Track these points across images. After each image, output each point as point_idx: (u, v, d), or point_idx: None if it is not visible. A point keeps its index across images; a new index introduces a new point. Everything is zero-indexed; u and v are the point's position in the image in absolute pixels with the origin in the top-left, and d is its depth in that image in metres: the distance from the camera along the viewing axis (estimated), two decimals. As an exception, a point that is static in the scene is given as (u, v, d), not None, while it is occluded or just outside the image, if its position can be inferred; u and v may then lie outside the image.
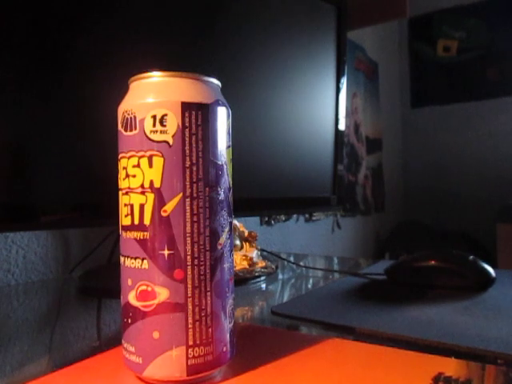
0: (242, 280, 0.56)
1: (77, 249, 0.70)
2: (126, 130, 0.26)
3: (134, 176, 0.25)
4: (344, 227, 1.64)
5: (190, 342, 0.25)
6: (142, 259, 0.25)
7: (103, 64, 0.46)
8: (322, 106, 0.72)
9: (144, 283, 0.25)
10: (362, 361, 0.29)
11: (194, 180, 0.25)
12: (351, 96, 1.71)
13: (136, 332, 0.25)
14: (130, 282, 0.25)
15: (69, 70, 0.43)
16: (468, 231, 1.96)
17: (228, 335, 0.27)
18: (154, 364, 0.25)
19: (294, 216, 1.32)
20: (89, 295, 0.52)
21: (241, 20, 0.59)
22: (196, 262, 0.25)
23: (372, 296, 0.47)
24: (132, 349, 0.25)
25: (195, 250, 0.25)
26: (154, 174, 0.25)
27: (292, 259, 0.77)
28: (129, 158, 0.25)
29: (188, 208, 0.25)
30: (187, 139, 0.25)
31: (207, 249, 0.25)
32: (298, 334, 0.37)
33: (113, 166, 0.34)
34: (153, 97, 0.25)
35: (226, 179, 0.27)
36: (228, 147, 0.27)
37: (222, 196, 0.26)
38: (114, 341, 0.35)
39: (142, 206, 0.25)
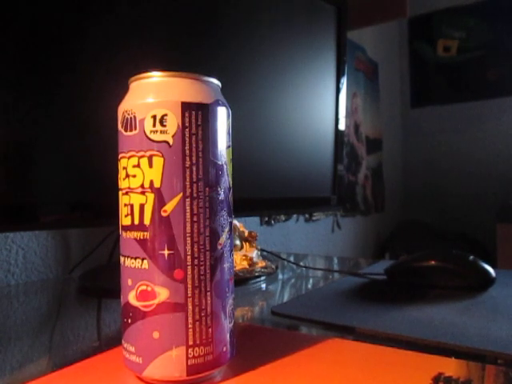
0: (242, 280, 0.56)
1: (77, 249, 0.70)
2: (126, 130, 0.26)
3: (134, 176, 0.25)
4: (344, 227, 1.64)
5: (190, 342, 0.25)
6: (142, 259, 0.25)
7: (103, 64, 0.46)
8: (322, 106, 0.72)
9: (144, 283, 0.25)
10: (362, 361, 0.29)
11: (194, 180, 0.25)
12: (351, 96, 1.71)
13: (136, 332, 0.25)
14: (130, 282, 0.25)
15: (69, 69, 0.43)
16: (468, 231, 1.96)
17: (228, 335, 0.27)
18: (153, 364, 0.25)
19: (294, 216, 1.32)
20: (89, 295, 0.52)
21: (241, 20, 0.59)
22: (196, 262, 0.25)
23: (372, 296, 0.47)
24: (132, 349, 0.25)
25: (195, 249, 0.25)
26: (154, 174, 0.25)
27: (292, 259, 0.77)
28: (129, 158, 0.25)
29: (188, 208, 0.25)
30: (187, 139, 0.25)
31: (207, 249, 0.25)
32: (298, 333, 0.37)
33: (113, 165, 0.34)
34: (153, 97, 0.25)
35: (226, 179, 0.27)
36: (228, 147, 0.27)
37: (222, 196, 0.26)
38: (114, 341, 0.35)
39: (141, 206, 0.25)
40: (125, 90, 0.27)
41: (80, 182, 0.45)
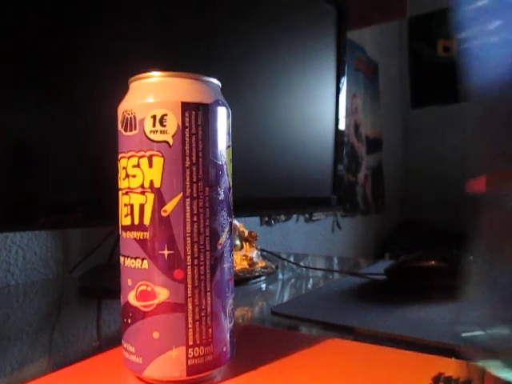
0: (242, 280, 0.56)
1: (77, 249, 0.70)
2: (125, 130, 0.26)
3: (134, 176, 0.25)
4: (344, 227, 1.64)
5: (190, 342, 0.25)
6: (142, 259, 0.25)
7: (103, 64, 0.46)
8: (322, 106, 0.72)
9: (144, 283, 0.25)
10: (362, 361, 0.29)
11: (194, 180, 0.25)
12: (351, 96, 1.71)
13: (136, 332, 0.25)
14: (129, 282, 0.25)
15: (69, 70, 0.43)
16: (468, 231, 1.96)
17: (228, 335, 0.27)
18: (153, 364, 0.25)
19: (294, 216, 1.32)
20: (89, 295, 0.52)
21: (241, 20, 0.59)
22: (196, 262, 0.25)
23: (372, 296, 0.47)
24: (132, 349, 0.25)
25: (195, 249, 0.25)
26: (153, 173, 0.25)
27: (292, 259, 0.77)
28: (129, 158, 0.25)
29: (188, 208, 0.25)
30: (187, 139, 0.25)
31: (207, 249, 0.25)
32: (298, 333, 0.37)
33: (113, 165, 0.34)
34: (153, 97, 0.25)
35: (226, 179, 0.27)
36: (228, 147, 0.27)
37: (221, 196, 0.26)
38: (114, 341, 0.35)
39: (141, 206, 0.25)
40: (125, 89, 0.27)
41: (80, 181, 0.45)
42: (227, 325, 0.27)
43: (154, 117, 0.25)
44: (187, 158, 0.25)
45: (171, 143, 0.24)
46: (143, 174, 0.25)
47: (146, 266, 0.25)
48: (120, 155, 0.26)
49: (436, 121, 2.18)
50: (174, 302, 0.25)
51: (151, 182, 0.25)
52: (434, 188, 2.17)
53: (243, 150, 0.58)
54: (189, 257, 0.25)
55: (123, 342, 0.26)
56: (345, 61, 0.76)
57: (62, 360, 0.31)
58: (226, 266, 0.26)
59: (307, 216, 1.39)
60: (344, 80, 0.76)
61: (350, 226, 1.70)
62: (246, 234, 0.66)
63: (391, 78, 2.18)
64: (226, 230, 0.27)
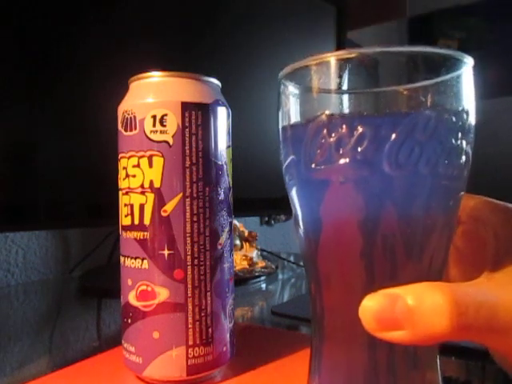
0: (241, 280, 0.56)
1: (77, 249, 0.70)
2: (126, 130, 0.26)
3: (134, 176, 0.25)
4: (344, 227, 1.63)
5: (190, 342, 0.25)
6: (142, 259, 0.25)
7: (103, 64, 0.46)
8: (322, 105, 0.72)
9: (144, 283, 0.25)
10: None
11: (194, 180, 0.25)
12: (351, 96, 1.70)
13: (136, 332, 0.25)
14: (130, 282, 0.25)
15: (69, 70, 0.43)
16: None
17: (228, 335, 0.27)
18: (153, 364, 0.25)
19: (294, 216, 1.31)
20: (89, 295, 0.52)
21: (241, 20, 0.59)
22: (196, 262, 0.25)
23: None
24: (132, 349, 0.25)
25: (195, 250, 0.25)
26: (153, 173, 0.25)
27: (292, 259, 0.77)
28: (129, 158, 0.25)
29: (188, 208, 0.25)
30: (187, 139, 0.25)
31: (207, 249, 0.25)
32: (298, 334, 0.37)
33: (113, 165, 0.34)
34: (153, 97, 0.25)
35: (226, 179, 0.27)
36: (228, 147, 0.27)
37: (221, 196, 0.26)
38: (114, 341, 0.35)
39: (141, 206, 0.25)
40: (125, 89, 0.27)
41: (80, 181, 0.45)
42: (227, 325, 0.27)
43: (154, 117, 0.25)
44: (187, 158, 0.25)
45: (171, 143, 0.24)
46: (143, 173, 0.25)
47: (146, 266, 0.25)
48: (120, 155, 0.26)
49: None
50: (174, 302, 0.25)
51: (151, 182, 0.25)
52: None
53: (243, 149, 0.58)
54: (189, 257, 0.25)
55: (123, 341, 0.26)
56: (345, 61, 0.76)
57: (62, 360, 0.31)
58: (226, 265, 0.26)
59: (307, 216, 1.39)
60: (344, 80, 0.76)
61: (350, 226, 1.69)
62: (246, 233, 0.66)
63: (391, 78, 2.17)
64: (226, 229, 0.27)
